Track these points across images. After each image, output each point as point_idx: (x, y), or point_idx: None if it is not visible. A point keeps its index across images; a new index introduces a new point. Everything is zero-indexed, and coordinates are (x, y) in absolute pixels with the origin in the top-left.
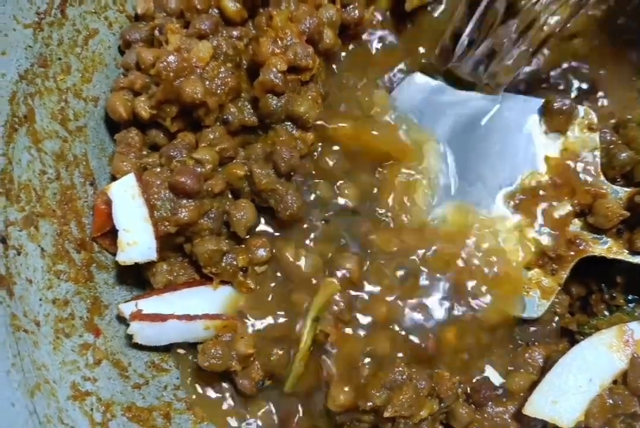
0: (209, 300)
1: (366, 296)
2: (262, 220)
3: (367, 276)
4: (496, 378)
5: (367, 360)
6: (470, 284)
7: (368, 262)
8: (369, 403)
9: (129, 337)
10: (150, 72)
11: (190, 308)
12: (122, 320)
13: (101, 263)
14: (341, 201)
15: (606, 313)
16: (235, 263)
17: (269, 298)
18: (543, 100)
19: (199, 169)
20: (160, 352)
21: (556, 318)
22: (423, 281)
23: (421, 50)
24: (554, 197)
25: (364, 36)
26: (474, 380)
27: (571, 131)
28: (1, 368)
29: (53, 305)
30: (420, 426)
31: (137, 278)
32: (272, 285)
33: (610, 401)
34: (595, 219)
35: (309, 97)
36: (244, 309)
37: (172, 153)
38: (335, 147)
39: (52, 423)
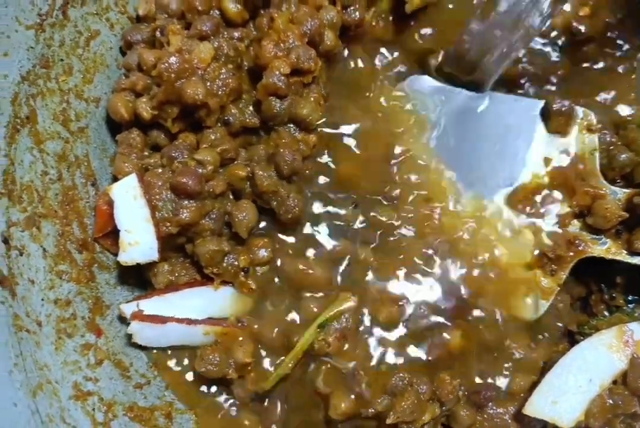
0: (210, 301)
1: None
2: (263, 221)
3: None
4: (497, 380)
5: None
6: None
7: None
8: (371, 410)
9: (130, 337)
10: (151, 73)
11: (191, 309)
12: (123, 320)
13: (103, 263)
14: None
15: (606, 313)
16: (236, 263)
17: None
18: (543, 101)
19: (200, 170)
20: (162, 352)
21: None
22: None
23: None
24: (553, 198)
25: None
26: (475, 382)
27: (570, 132)
28: (3, 368)
29: (55, 305)
30: None
31: (138, 278)
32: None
33: (610, 401)
34: (594, 220)
35: (311, 99)
36: (245, 317)
37: (173, 154)
38: None
39: (54, 423)
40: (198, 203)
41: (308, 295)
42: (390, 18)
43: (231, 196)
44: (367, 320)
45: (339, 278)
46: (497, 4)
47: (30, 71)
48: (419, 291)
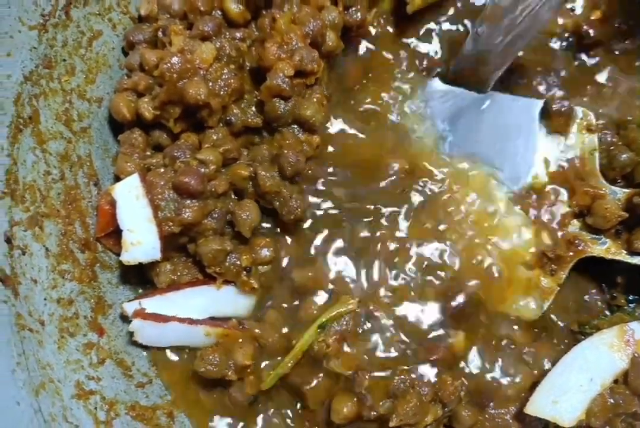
0: (212, 300)
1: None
2: (266, 220)
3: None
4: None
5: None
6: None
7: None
8: (373, 413)
9: (132, 336)
10: (153, 74)
11: (193, 308)
12: (125, 319)
13: (105, 262)
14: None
15: (607, 313)
16: (239, 262)
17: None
18: (543, 101)
19: (202, 170)
20: (162, 352)
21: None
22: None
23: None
24: (553, 198)
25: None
26: (476, 382)
27: (570, 132)
28: (6, 367)
29: (57, 305)
30: None
31: (140, 277)
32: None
33: (611, 400)
34: (594, 220)
35: (314, 100)
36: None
37: (175, 154)
38: None
39: (56, 422)
40: (200, 203)
41: (309, 296)
42: (392, 19)
43: (233, 196)
44: (367, 322)
45: (340, 280)
46: None
47: (33, 71)
48: (419, 291)
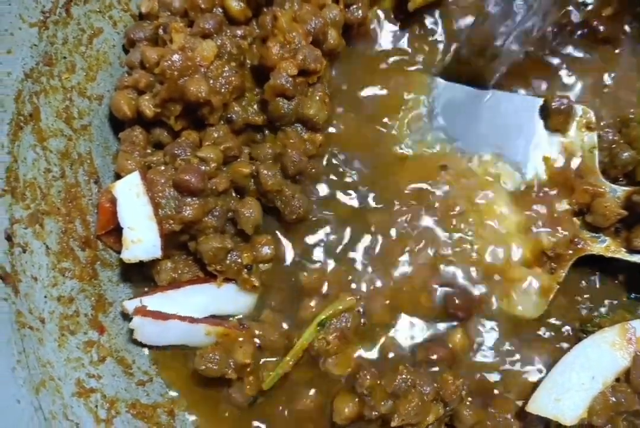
0: (213, 298)
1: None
2: (266, 218)
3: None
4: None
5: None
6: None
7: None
8: (375, 413)
9: (132, 334)
10: (154, 71)
11: (194, 306)
12: (126, 317)
13: (105, 260)
14: None
15: (608, 311)
16: (239, 260)
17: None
18: (542, 99)
19: (203, 168)
20: (162, 350)
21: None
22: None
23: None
24: (553, 196)
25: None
26: (478, 381)
27: (570, 130)
28: (6, 365)
29: (58, 302)
30: None
31: (141, 275)
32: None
33: (613, 399)
34: (594, 218)
35: (317, 98)
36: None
37: (176, 151)
38: None
39: (57, 420)
40: (201, 201)
41: (309, 295)
42: (393, 16)
43: (234, 194)
44: (367, 320)
45: (339, 278)
46: None
47: (34, 69)
48: (419, 291)
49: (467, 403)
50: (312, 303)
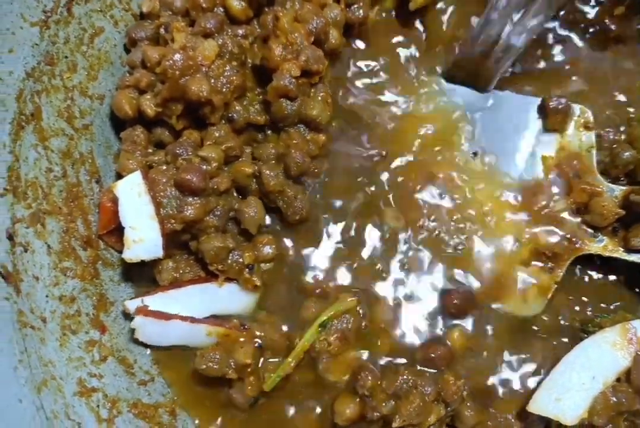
0: (214, 297)
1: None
2: (268, 218)
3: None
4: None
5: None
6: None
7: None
8: (376, 414)
9: (134, 333)
10: (156, 70)
11: (195, 305)
12: (127, 316)
13: (107, 260)
14: None
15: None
16: (241, 260)
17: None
18: (540, 99)
19: (204, 167)
20: (164, 350)
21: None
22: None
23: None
24: (551, 195)
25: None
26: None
27: (567, 129)
28: (8, 365)
29: (59, 302)
30: None
31: (142, 275)
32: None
33: (614, 399)
34: (592, 218)
35: (319, 98)
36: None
37: (177, 151)
38: None
39: (58, 419)
40: (202, 200)
41: (310, 296)
42: (394, 15)
43: (235, 194)
44: (368, 321)
45: (341, 279)
46: None
47: (35, 68)
48: (418, 290)
49: (468, 403)
50: (313, 304)
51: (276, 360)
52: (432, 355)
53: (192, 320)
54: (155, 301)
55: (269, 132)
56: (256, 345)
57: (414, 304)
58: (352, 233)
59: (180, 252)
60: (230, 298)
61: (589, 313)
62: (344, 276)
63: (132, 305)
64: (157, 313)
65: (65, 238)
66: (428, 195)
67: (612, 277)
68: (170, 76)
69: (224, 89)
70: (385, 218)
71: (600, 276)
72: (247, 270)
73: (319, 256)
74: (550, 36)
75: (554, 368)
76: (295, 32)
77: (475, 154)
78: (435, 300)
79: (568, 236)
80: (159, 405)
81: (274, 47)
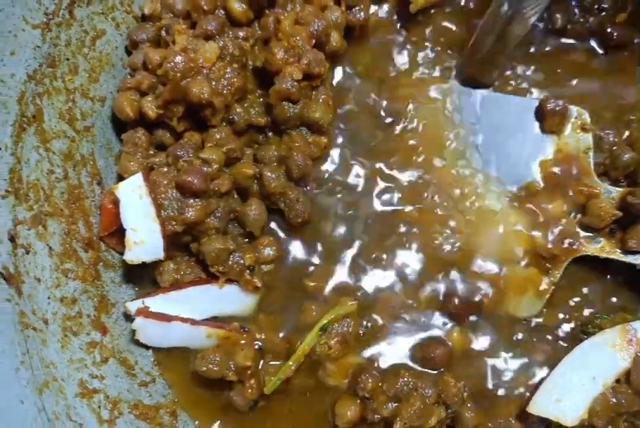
0: (215, 299)
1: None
2: (269, 219)
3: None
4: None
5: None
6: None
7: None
8: (377, 416)
9: (135, 334)
10: (157, 73)
11: (196, 307)
12: (128, 318)
13: (108, 261)
14: None
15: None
16: (242, 261)
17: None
18: (537, 101)
19: (205, 169)
20: (165, 351)
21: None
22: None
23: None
24: (548, 197)
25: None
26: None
27: (565, 131)
28: (10, 366)
29: (61, 303)
30: None
31: (143, 276)
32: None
33: (614, 400)
34: (589, 219)
35: (321, 101)
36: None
37: (179, 153)
38: None
39: (60, 420)
40: (203, 202)
41: (312, 299)
42: (395, 17)
43: (236, 195)
44: (368, 324)
45: (342, 282)
46: None
47: (37, 70)
48: (418, 291)
49: (469, 405)
50: (314, 307)
51: (277, 363)
52: (432, 355)
53: (193, 322)
54: (156, 302)
55: (270, 134)
56: (256, 347)
57: (414, 305)
58: (356, 236)
59: (181, 254)
60: (231, 300)
61: (588, 314)
62: (345, 279)
63: (133, 306)
64: (158, 314)
65: (66, 239)
66: (425, 198)
67: (611, 278)
68: (171, 78)
69: (225, 91)
70: None
71: (600, 277)
72: (247, 271)
73: (320, 258)
74: (552, 41)
75: (554, 369)
76: (297, 35)
77: (472, 156)
78: (435, 300)
79: (565, 237)
80: (160, 406)
81: (276, 51)
